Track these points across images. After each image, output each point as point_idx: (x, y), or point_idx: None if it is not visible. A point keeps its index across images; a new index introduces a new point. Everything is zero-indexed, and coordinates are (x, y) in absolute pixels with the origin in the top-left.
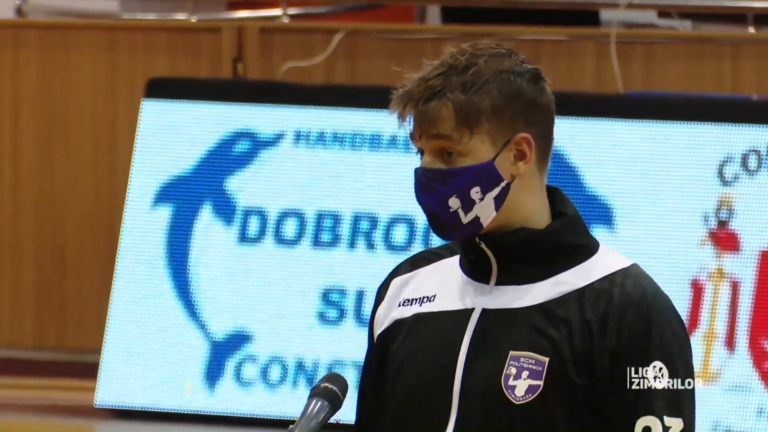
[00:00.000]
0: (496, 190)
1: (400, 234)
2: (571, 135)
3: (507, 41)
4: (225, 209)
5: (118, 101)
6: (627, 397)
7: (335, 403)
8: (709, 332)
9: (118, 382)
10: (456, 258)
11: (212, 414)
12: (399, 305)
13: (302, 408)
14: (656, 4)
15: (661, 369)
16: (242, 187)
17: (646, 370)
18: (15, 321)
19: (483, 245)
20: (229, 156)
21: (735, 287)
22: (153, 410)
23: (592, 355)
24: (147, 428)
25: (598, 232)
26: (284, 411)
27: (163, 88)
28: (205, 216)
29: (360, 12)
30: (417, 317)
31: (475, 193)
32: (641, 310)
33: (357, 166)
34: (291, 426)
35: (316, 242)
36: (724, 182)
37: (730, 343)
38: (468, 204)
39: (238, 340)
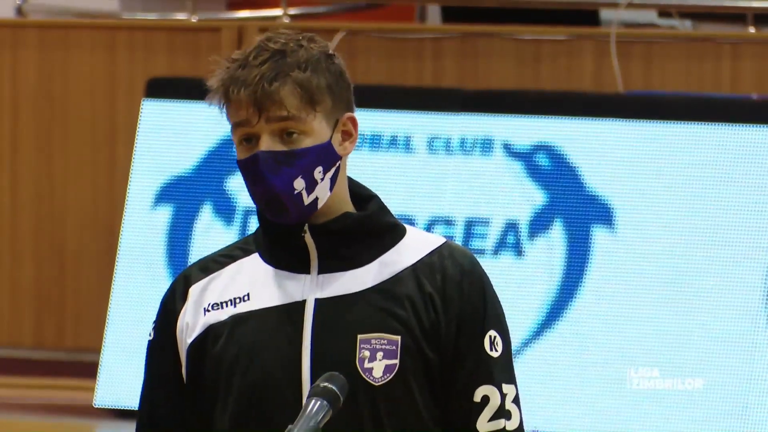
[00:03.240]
0: (333, 170)
1: None
2: (571, 135)
3: (507, 41)
4: (225, 209)
5: (117, 101)
6: (467, 367)
7: (334, 403)
8: None
9: (117, 382)
10: (254, 256)
11: None
12: (206, 311)
13: (301, 408)
14: (656, 4)
15: (495, 337)
16: (242, 187)
17: (483, 339)
18: (14, 320)
19: (307, 234)
20: (229, 156)
21: None
22: None
23: (439, 327)
24: None
25: (597, 233)
26: None
27: (163, 88)
28: (206, 216)
29: (360, 12)
30: (236, 318)
31: (318, 173)
32: (474, 278)
33: (356, 166)
34: (290, 426)
35: None
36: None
37: None
38: (311, 184)
39: None
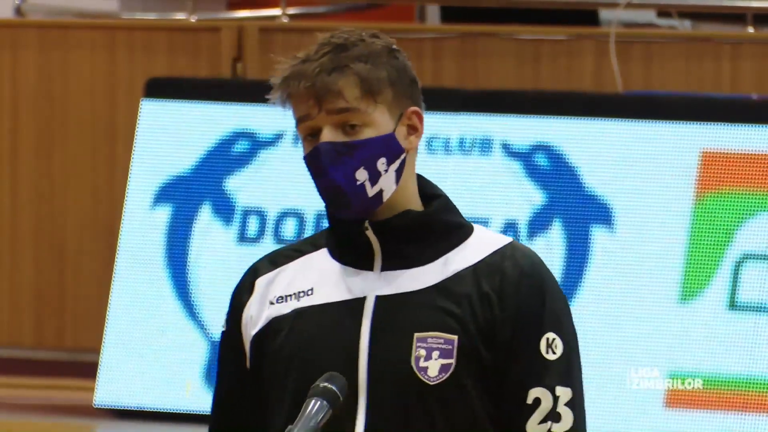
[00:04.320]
0: (398, 163)
1: None
2: (571, 135)
3: (506, 41)
4: (224, 209)
5: (117, 101)
6: (521, 369)
7: (334, 403)
8: None
9: (117, 382)
10: (323, 251)
11: None
12: (271, 303)
13: (301, 408)
14: (656, 4)
15: (554, 340)
16: (242, 187)
17: (539, 342)
18: (14, 320)
19: (369, 230)
20: (228, 156)
21: None
22: (152, 410)
23: (495, 326)
24: (146, 428)
25: (596, 232)
26: None
27: (163, 88)
28: (205, 216)
29: (360, 12)
30: (298, 312)
31: (381, 164)
32: (534, 280)
33: None
34: (290, 426)
35: None
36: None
37: None
38: (374, 176)
39: None
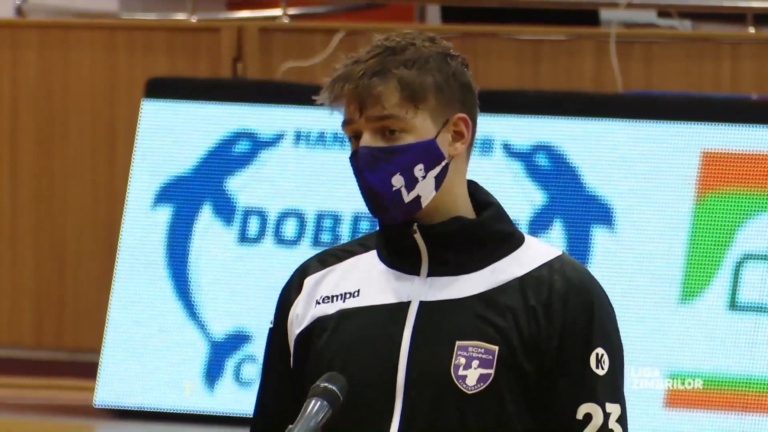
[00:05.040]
0: (438, 169)
1: None
2: (571, 135)
3: (506, 41)
4: (225, 209)
5: (117, 101)
6: (570, 384)
7: (334, 403)
8: None
9: (117, 382)
10: (372, 253)
11: (212, 414)
12: (317, 303)
13: (302, 408)
14: (656, 4)
15: (602, 355)
16: (242, 187)
17: (589, 357)
18: (14, 320)
19: (417, 235)
20: (229, 156)
21: None
22: (152, 410)
23: (540, 340)
24: (146, 428)
25: (596, 232)
26: None
27: (163, 88)
28: (205, 216)
29: (360, 12)
30: (343, 313)
31: (418, 170)
32: (583, 295)
33: None
34: (290, 426)
35: (316, 242)
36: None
37: None
38: (411, 182)
39: (238, 340)
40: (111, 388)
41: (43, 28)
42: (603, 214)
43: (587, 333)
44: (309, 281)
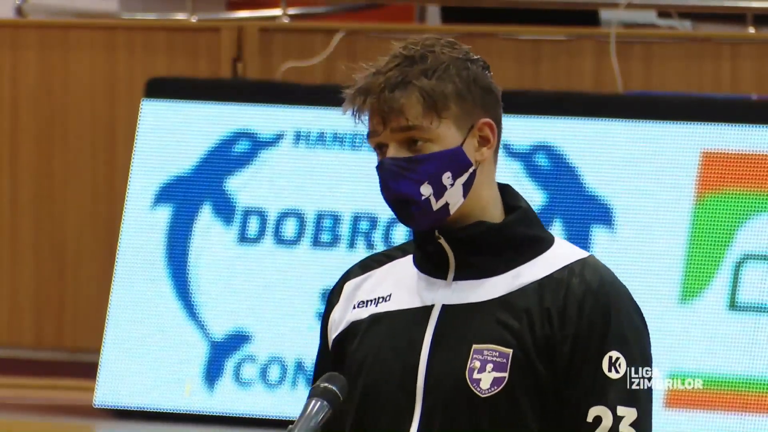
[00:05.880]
0: (465, 176)
1: (399, 234)
2: (571, 135)
3: (506, 41)
4: (225, 209)
5: (117, 101)
6: (583, 386)
7: (334, 403)
8: None
9: (117, 382)
10: (409, 258)
11: (212, 414)
12: (354, 308)
13: (301, 408)
14: (656, 4)
15: (617, 359)
16: (242, 187)
17: (603, 359)
18: (14, 320)
19: (442, 239)
20: (228, 156)
21: None
22: (152, 410)
23: (553, 342)
24: (146, 428)
25: (596, 232)
26: (283, 411)
27: (163, 88)
28: (205, 216)
29: (360, 12)
30: (373, 318)
31: (446, 178)
32: (600, 298)
33: (357, 166)
34: (290, 426)
35: (316, 242)
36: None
37: None
38: (439, 190)
39: (238, 340)
40: (111, 388)
41: (43, 28)
42: (603, 214)
43: (602, 337)
44: (348, 286)
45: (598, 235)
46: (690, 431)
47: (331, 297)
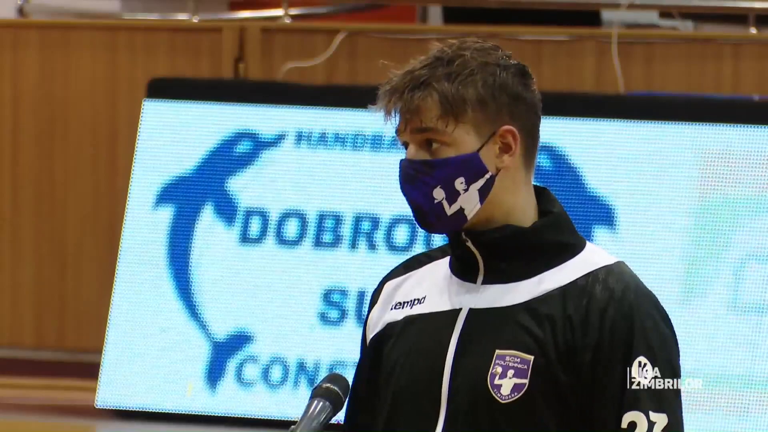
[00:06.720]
0: (481, 182)
1: (401, 234)
2: (572, 135)
3: (508, 41)
4: (226, 210)
5: (118, 101)
6: (612, 394)
7: (337, 403)
8: None
9: (119, 383)
10: (446, 260)
11: (213, 414)
12: (391, 308)
13: (304, 408)
14: (657, 5)
15: (645, 365)
16: (243, 187)
17: (631, 366)
18: (15, 321)
19: (469, 243)
20: (230, 156)
21: None
22: (154, 411)
23: (575, 351)
24: (148, 429)
25: (598, 232)
26: (285, 411)
27: (165, 89)
28: (207, 216)
29: (361, 12)
30: (408, 320)
31: (459, 183)
32: (623, 305)
33: (359, 166)
34: (293, 426)
35: (318, 243)
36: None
37: None
38: (452, 195)
39: (240, 340)
40: (112, 388)
41: (44, 29)
42: (604, 215)
43: (626, 344)
44: (388, 286)
45: (600, 235)
46: (690, 431)
47: (373, 296)
